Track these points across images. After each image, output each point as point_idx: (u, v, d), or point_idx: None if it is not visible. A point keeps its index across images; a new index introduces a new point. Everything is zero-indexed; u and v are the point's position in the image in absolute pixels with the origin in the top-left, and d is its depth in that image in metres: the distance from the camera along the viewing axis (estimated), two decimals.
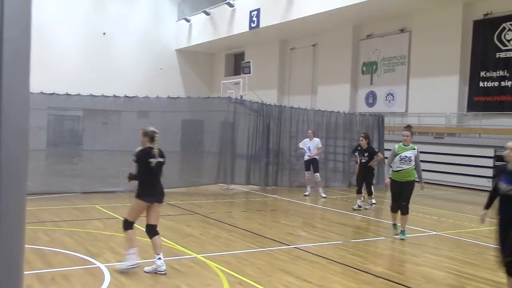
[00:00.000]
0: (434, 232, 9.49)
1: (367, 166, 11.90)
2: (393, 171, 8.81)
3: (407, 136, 8.87)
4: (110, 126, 16.30)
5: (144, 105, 14.81)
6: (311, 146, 14.13)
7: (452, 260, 7.55)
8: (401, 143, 8.91)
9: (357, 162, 13.22)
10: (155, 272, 5.96)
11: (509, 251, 5.01)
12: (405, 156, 8.67)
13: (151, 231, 6.16)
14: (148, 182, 6.12)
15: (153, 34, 32.27)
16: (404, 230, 8.73)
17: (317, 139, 14.38)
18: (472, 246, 8.47)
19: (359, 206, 11.78)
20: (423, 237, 9.10)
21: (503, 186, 5.13)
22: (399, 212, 8.78)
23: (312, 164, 14.07)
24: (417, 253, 7.90)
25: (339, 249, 7.92)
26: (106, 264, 6.28)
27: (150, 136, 6.09)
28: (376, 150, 12.54)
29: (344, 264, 6.87)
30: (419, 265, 7.15)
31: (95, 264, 6.28)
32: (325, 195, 13.87)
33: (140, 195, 6.11)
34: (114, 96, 14.18)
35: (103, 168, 14.68)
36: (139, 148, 6.20)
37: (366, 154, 11.92)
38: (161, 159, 6.13)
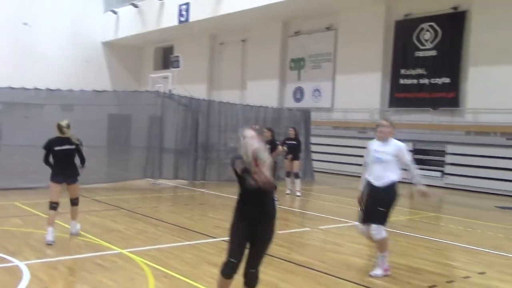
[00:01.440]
0: (356, 222, 9.85)
1: None
2: None
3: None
4: (32, 119, 15.60)
5: (68, 99, 14.31)
6: None
7: (372, 248, 7.89)
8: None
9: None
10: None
11: (252, 263, 4.31)
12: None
13: (70, 202, 7.55)
14: (55, 165, 7.31)
15: (78, 26, 31.12)
16: None
17: None
18: (391, 235, 8.85)
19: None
20: (346, 227, 9.44)
21: (253, 182, 4.04)
22: None
23: None
24: (340, 242, 8.19)
25: None
26: (26, 262, 6.05)
27: (58, 128, 7.35)
28: (277, 143, 12.15)
29: (269, 255, 6.97)
30: (341, 253, 7.42)
31: (13, 262, 6.04)
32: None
33: (50, 176, 7.31)
34: (35, 88, 13.62)
35: (24, 164, 14.06)
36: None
37: (269, 147, 11.86)
38: (65, 147, 7.29)
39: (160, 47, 33.66)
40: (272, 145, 11.78)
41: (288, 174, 13.75)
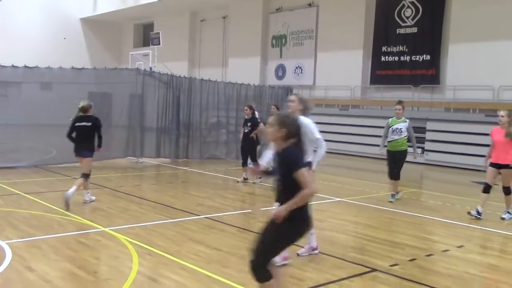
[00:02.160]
0: (339, 199, 9.97)
1: (249, 136, 11.74)
2: (387, 141, 9.75)
3: (399, 110, 9.69)
4: (10, 98, 15.31)
5: (46, 76, 14.04)
6: None
7: (355, 224, 8.02)
8: (394, 117, 9.73)
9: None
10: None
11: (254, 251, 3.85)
12: (397, 128, 9.60)
13: (81, 175, 8.34)
14: (75, 140, 8.29)
15: (55, 1, 30.44)
16: (394, 194, 9.82)
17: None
18: (373, 211, 9.02)
19: (245, 179, 11.68)
20: (328, 203, 9.53)
21: None
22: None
23: None
24: (322, 218, 8.26)
25: (249, 218, 8.14)
26: (7, 241, 6.01)
27: (79, 108, 8.38)
28: (259, 120, 12.05)
29: (254, 232, 7.03)
30: (324, 229, 7.50)
31: None
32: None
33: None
34: (12, 66, 13.33)
35: (3, 143, 13.86)
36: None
37: (249, 124, 11.76)
38: (82, 124, 8.25)
39: (139, 24, 33.15)
40: (253, 122, 11.79)
41: None
